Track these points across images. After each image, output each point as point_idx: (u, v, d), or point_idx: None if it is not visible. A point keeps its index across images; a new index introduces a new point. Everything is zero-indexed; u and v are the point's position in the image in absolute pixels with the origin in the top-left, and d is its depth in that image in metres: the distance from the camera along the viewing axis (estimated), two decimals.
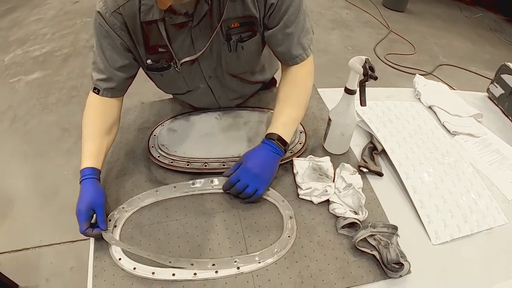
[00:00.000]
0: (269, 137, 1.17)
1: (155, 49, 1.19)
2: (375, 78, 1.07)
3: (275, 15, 1.15)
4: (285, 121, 1.20)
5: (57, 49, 4.28)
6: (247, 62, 1.31)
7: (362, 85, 1.12)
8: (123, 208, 1.18)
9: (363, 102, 1.13)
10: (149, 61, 1.22)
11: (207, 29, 1.15)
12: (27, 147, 3.07)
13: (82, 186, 1.11)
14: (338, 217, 1.13)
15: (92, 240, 1.11)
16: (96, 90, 1.22)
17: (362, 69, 1.08)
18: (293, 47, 1.22)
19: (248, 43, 1.21)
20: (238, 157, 1.26)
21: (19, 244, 2.39)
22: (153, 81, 1.36)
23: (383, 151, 1.34)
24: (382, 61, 4.03)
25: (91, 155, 1.16)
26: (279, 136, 1.16)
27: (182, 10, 1.08)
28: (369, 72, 1.07)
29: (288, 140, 1.18)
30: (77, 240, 2.38)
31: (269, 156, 1.15)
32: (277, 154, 1.16)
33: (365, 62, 1.08)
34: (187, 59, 1.19)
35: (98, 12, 1.11)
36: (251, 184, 1.13)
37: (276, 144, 1.15)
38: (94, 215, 1.09)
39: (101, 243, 1.10)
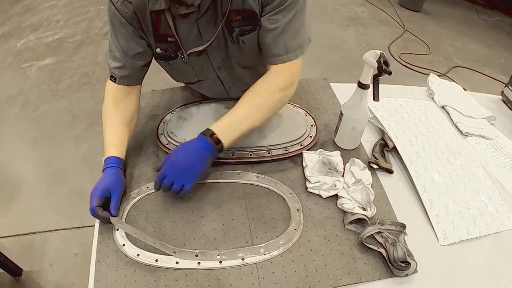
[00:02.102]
0: (204, 132, 1.13)
1: (165, 38, 1.20)
2: (389, 73, 1.06)
3: (269, 8, 1.12)
4: (231, 124, 1.15)
5: (70, 36, 4.29)
6: (251, 55, 1.28)
7: (376, 80, 1.11)
8: (130, 196, 1.18)
9: (376, 97, 1.12)
10: (158, 50, 1.23)
11: (212, 21, 1.15)
12: (36, 132, 3.08)
13: (105, 173, 1.14)
14: (346, 212, 1.12)
15: (96, 225, 1.12)
16: (113, 78, 1.23)
17: (376, 64, 1.07)
18: (275, 44, 1.16)
19: (248, 37, 1.19)
20: (246, 147, 1.26)
21: (24, 228, 2.40)
22: (164, 70, 1.36)
23: (394, 148, 1.32)
24: (396, 60, 3.99)
25: (115, 144, 1.19)
26: (214, 133, 1.11)
27: (189, 1, 1.08)
28: (383, 67, 1.06)
29: (225, 141, 1.11)
30: (83, 227, 2.39)
31: (196, 151, 1.12)
32: (207, 149, 1.11)
33: (380, 56, 1.07)
34: (194, 50, 1.19)
35: (110, 1, 1.13)
36: (176, 180, 1.10)
37: (208, 140, 1.10)
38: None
39: (106, 228, 1.10)
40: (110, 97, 1.25)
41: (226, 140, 1.11)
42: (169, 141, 1.28)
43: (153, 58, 1.29)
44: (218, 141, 1.10)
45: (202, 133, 1.12)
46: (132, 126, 1.27)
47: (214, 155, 1.13)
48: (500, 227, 1.14)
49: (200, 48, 1.19)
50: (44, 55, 3.98)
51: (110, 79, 1.24)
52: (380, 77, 1.10)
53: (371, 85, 1.13)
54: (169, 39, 1.19)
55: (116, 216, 1.09)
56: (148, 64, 1.28)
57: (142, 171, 1.25)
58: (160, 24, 1.16)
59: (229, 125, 1.14)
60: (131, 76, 1.24)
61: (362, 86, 1.15)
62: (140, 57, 1.22)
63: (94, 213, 1.07)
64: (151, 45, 1.23)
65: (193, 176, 1.12)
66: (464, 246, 1.09)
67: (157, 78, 1.37)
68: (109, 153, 1.16)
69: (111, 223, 1.08)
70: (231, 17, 1.14)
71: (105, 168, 1.15)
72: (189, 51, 1.20)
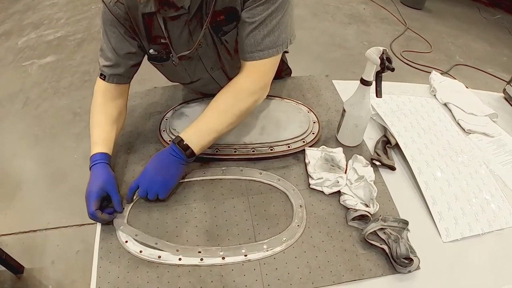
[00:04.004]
0: (174, 140, 1.13)
1: (157, 40, 1.20)
2: (392, 69, 1.06)
3: (250, 2, 1.10)
4: (200, 129, 1.15)
5: (71, 34, 4.30)
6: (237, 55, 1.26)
7: (378, 76, 1.11)
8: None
9: (378, 94, 1.12)
10: (151, 51, 1.23)
11: (199, 23, 1.15)
12: (37, 130, 3.08)
13: (93, 171, 1.12)
14: (349, 208, 1.12)
15: None
16: (102, 76, 1.23)
17: (379, 60, 1.06)
18: (248, 40, 1.14)
19: (229, 35, 1.18)
20: (250, 144, 1.26)
21: (26, 226, 2.40)
22: (159, 71, 1.37)
23: (397, 145, 1.32)
24: (398, 58, 3.99)
25: (101, 141, 1.17)
26: (183, 140, 1.11)
27: (179, 3, 1.08)
28: (386, 63, 1.06)
29: (194, 147, 1.12)
30: (84, 224, 2.39)
31: (168, 159, 1.12)
32: (178, 158, 1.11)
33: (382, 53, 1.07)
34: (183, 53, 1.20)
35: (103, 1, 1.14)
36: (150, 190, 1.10)
37: (178, 148, 1.11)
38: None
39: (108, 225, 1.10)
40: (98, 95, 1.25)
41: (195, 147, 1.12)
42: (171, 138, 1.28)
43: (147, 59, 1.29)
44: (187, 148, 1.11)
45: (172, 140, 1.13)
46: (119, 123, 1.26)
47: (185, 161, 1.13)
48: (502, 224, 1.14)
49: (187, 52, 1.19)
50: (45, 53, 3.99)
51: (100, 77, 1.24)
52: (382, 74, 1.10)
53: (374, 82, 1.13)
54: (162, 40, 1.19)
55: (121, 212, 1.10)
56: (138, 64, 1.28)
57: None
58: (153, 25, 1.16)
59: (198, 132, 1.14)
60: (120, 75, 1.24)
61: (365, 83, 1.14)
62: (130, 57, 1.22)
63: (94, 217, 1.05)
64: (143, 46, 1.23)
65: (165, 183, 1.12)
66: (466, 243, 1.09)
67: (159, 75, 1.37)
68: (94, 150, 1.15)
69: (112, 224, 1.09)
70: (215, 17, 1.13)
71: (91, 165, 1.13)
72: (179, 54, 1.20)
